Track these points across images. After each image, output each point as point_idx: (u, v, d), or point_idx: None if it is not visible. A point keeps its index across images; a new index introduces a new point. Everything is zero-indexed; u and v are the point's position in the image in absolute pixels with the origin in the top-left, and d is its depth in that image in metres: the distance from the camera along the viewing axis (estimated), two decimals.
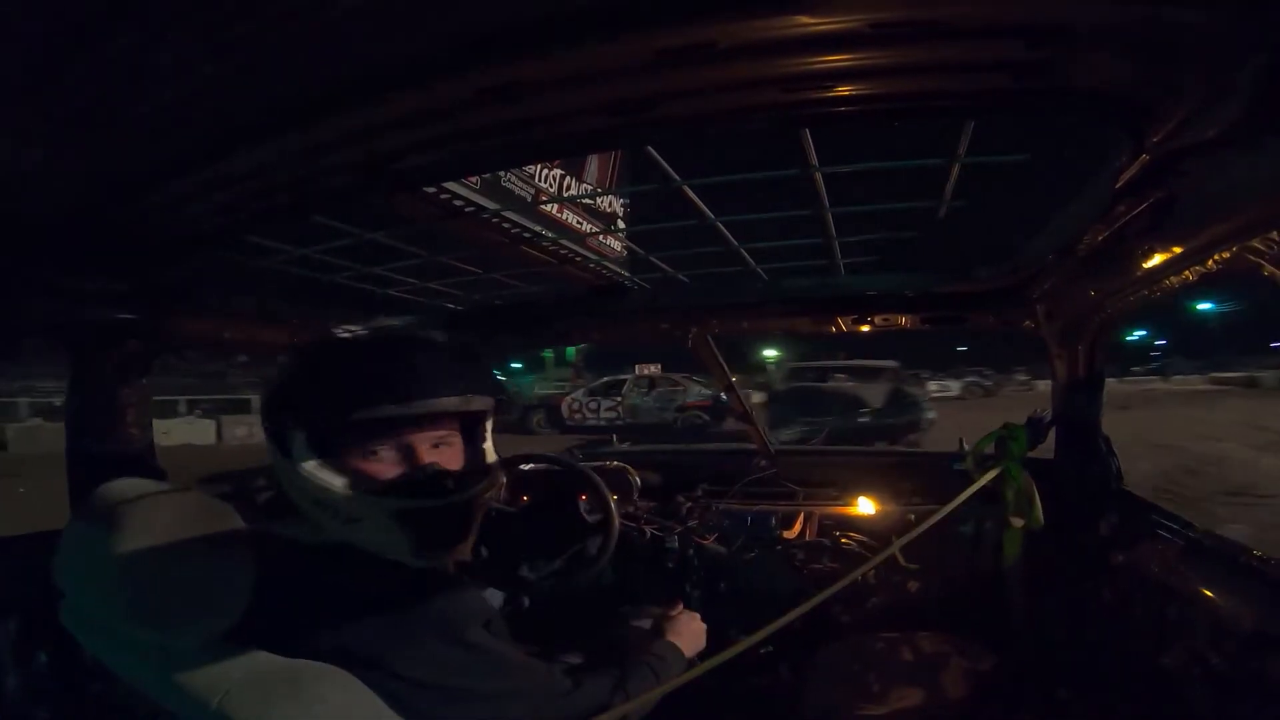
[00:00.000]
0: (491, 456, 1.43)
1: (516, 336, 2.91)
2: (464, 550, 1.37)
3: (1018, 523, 2.14)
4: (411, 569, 1.29)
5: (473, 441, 1.41)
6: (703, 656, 1.74)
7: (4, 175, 1.15)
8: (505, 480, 2.50)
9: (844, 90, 1.07)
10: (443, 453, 1.34)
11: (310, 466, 1.25)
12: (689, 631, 1.81)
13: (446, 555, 1.34)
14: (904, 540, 1.84)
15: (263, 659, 1.15)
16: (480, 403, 1.37)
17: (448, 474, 1.31)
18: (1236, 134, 0.99)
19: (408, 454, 1.30)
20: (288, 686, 1.12)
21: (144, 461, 1.85)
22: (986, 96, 1.10)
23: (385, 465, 1.28)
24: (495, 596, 2.20)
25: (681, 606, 1.91)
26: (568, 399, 22.04)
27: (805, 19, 0.87)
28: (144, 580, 1.13)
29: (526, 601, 2.31)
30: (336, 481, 1.24)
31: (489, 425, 1.44)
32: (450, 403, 1.32)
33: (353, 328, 2.46)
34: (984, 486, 2.14)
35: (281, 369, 1.36)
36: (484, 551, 2.19)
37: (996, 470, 2.09)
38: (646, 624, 1.86)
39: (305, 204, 1.57)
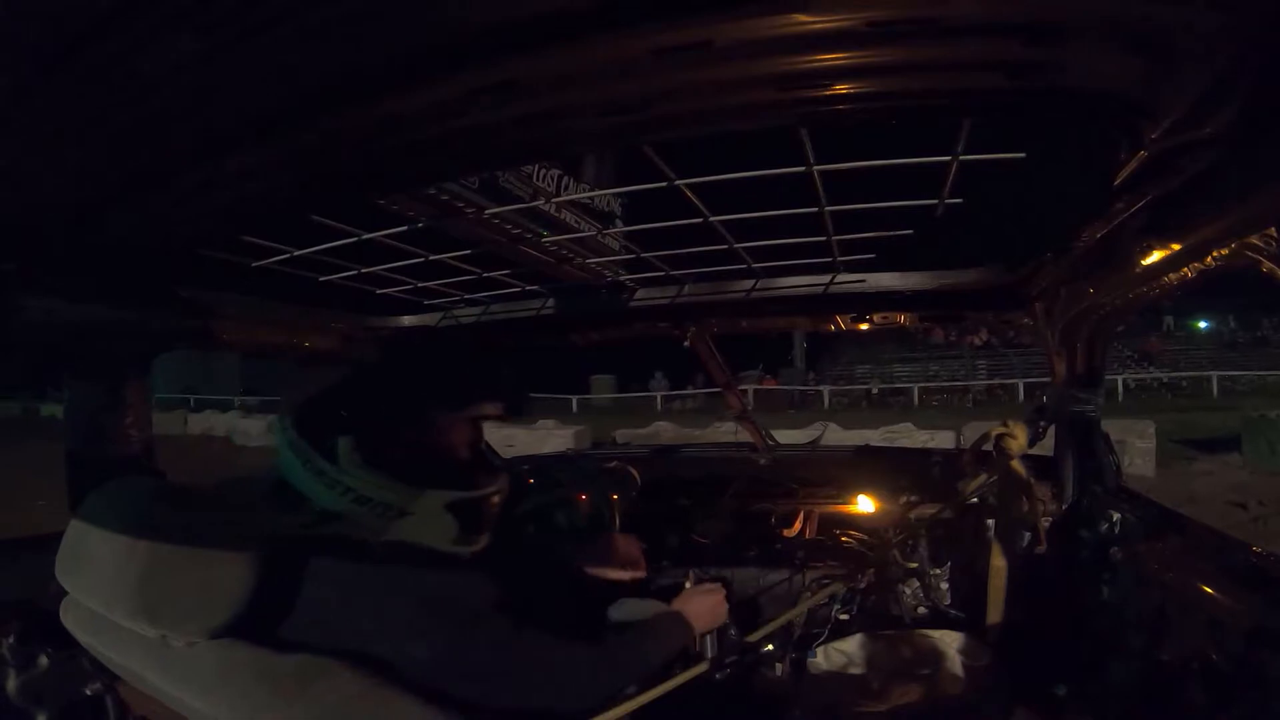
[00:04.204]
0: (498, 457, 1.56)
1: (512, 341, 2.91)
2: (486, 538, 1.49)
3: (1015, 519, 2.14)
4: (453, 555, 1.41)
5: (485, 442, 1.59)
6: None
7: (1, 178, 1.15)
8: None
9: (841, 89, 1.07)
10: (482, 448, 1.54)
11: (358, 469, 1.33)
12: (703, 605, 1.85)
13: (479, 542, 1.46)
14: (902, 538, 1.85)
15: (266, 655, 1.16)
16: (501, 408, 1.54)
17: (482, 468, 1.50)
18: (1234, 131, 0.99)
19: (453, 452, 1.46)
20: (291, 681, 1.13)
21: (143, 461, 1.86)
22: (983, 95, 1.10)
23: (435, 463, 1.42)
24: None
25: (693, 580, 2.01)
26: None
27: (802, 17, 0.86)
28: (145, 577, 1.14)
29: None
30: (386, 480, 1.34)
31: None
32: (486, 408, 1.51)
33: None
34: (983, 484, 2.14)
35: (317, 382, 1.47)
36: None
37: (996, 468, 2.10)
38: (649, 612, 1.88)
39: (302, 204, 1.57)
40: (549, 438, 14.95)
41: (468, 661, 1.26)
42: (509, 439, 13.84)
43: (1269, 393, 23.92)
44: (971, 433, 12.58)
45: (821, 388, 34.24)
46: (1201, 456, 12.78)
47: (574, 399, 33.25)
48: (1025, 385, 29.53)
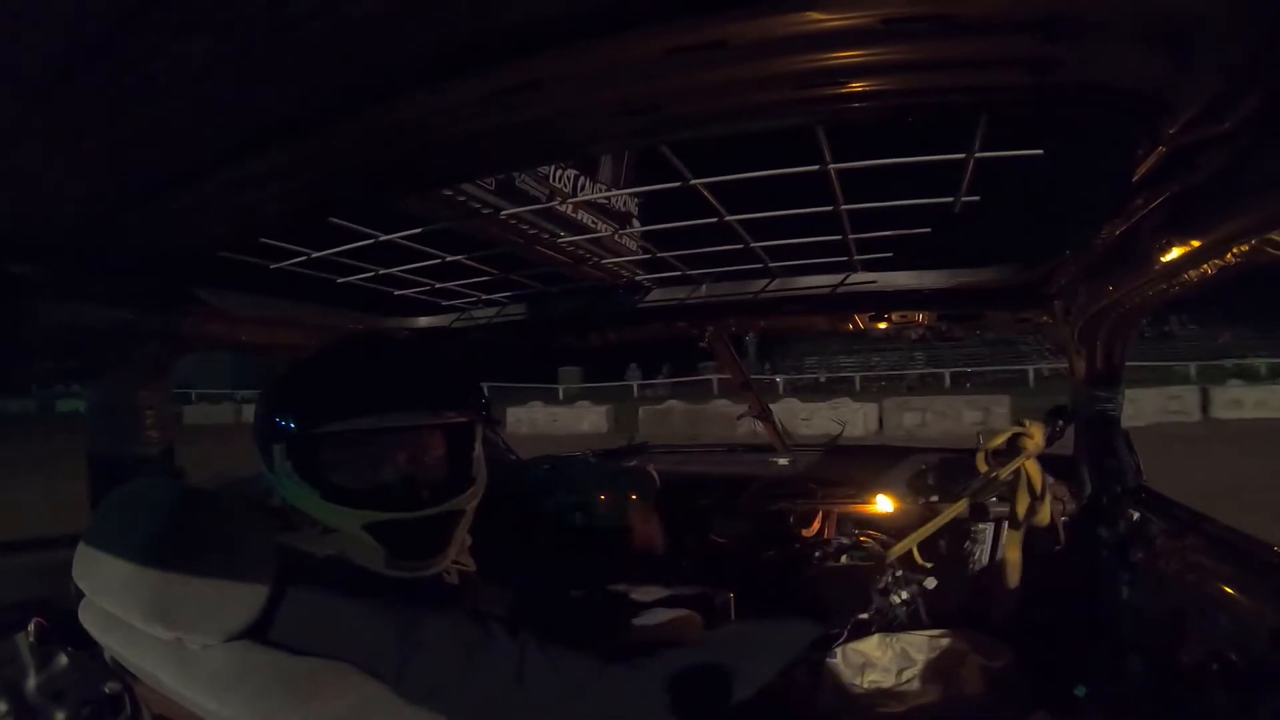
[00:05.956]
0: (478, 467, 1.43)
1: (529, 342, 2.92)
2: (443, 561, 1.37)
3: (1023, 518, 2.13)
4: (406, 580, 1.30)
5: (455, 451, 1.42)
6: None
7: (22, 181, 1.16)
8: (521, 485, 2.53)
9: (857, 87, 1.07)
10: (418, 464, 1.35)
11: (288, 478, 1.29)
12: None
13: (422, 567, 1.33)
14: (916, 538, 1.84)
15: (281, 657, 1.16)
16: (456, 415, 1.39)
17: (418, 486, 1.33)
18: (1254, 125, 0.98)
19: (377, 466, 1.32)
20: (306, 684, 1.13)
21: (164, 462, 1.87)
22: (1000, 92, 1.10)
23: (354, 477, 1.30)
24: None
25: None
26: None
27: (817, 15, 0.86)
28: (162, 578, 1.15)
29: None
30: (311, 493, 1.28)
31: (476, 436, 1.45)
32: (421, 416, 1.34)
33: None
34: (1000, 483, 2.13)
35: (268, 385, 1.39)
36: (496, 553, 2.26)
37: (1012, 467, 2.09)
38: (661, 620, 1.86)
39: (320, 207, 1.58)
40: (587, 414, 22.36)
41: (439, 688, 1.16)
42: (553, 416, 21.47)
43: (1161, 379, 26.25)
44: (890, 408, 19.12)
45: (776, 377, 39.46)
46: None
47: (560, 388, 35.89)
48: (951, 375, 36.75)
